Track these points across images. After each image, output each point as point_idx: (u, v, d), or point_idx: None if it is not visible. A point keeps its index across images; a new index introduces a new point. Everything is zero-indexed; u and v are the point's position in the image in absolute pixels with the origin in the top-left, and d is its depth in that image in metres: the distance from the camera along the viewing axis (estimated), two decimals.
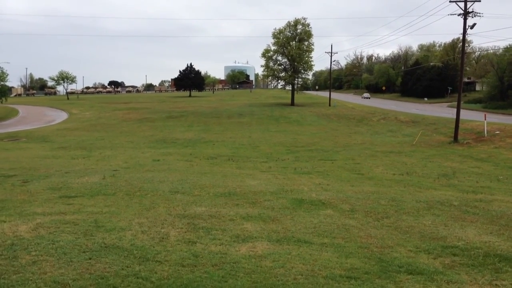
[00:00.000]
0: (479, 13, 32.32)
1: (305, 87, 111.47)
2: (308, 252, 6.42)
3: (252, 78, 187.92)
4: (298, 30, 71.30)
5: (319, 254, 6.33)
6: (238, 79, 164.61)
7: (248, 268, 5.71)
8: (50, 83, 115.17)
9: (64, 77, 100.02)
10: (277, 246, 6.67)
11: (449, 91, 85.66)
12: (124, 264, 5.70)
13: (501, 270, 5.91)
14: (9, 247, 6.19)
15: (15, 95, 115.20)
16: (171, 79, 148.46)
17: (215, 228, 7.55)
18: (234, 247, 6.53)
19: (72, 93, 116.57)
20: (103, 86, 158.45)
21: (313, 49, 72.56)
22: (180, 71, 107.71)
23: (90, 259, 5.81)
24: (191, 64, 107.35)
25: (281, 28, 71.58)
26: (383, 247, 6.76)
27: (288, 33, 71.68)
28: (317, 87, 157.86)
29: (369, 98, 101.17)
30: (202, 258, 6.02)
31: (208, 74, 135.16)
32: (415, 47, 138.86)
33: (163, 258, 5.97)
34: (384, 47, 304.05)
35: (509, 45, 72.37)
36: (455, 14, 33.09)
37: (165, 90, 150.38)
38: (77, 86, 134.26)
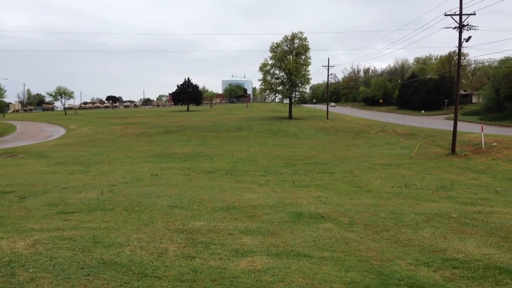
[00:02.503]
0: (474, 26, 32.60)
1: (303, 100, 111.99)
2: (308, 266, 6.39)
3: (249, 92, 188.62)
4: (295, 44, 71.75)
5: (319, 268, 6.30)
6: (235, 93, 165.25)
7: (247, 283, 5.67)
8: (48, 99, 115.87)
9: (61, 93, 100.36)
10: (277, 260, 6.64)
11: (446, 103, 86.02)
12: (123, 280, 5.66)
13: (501, 282, 5.88)
14: (6, 264, 6.14)
15: (13, 111, 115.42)
16: (169, 94, 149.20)
17: (214, 243, 7.51)
18: (233, 262, 6.49)
19: (69, 108, 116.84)
20: (101, 101, 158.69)
21: (310, 62, 73.00)
22: (178, 86, 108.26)
23: (88, 275, 5.77)
24: (188, 78, 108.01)
25: (279, 42, 72.11)
26: (383, 260, 6.73)
27: (285, 47, 72.13)
28: (314, 101, 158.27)
29: (335, 106, 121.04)
30: (201, 273, 5.98)
31: (206, 89, 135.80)
32: (411, 60, 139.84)
33: (162, 273, 5.93)
34: (380, 60, 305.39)
35: (505, 57, 72.84)
36: (450, 27, 33.36)
37: (163, 105, 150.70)
38: (75, 102, 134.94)
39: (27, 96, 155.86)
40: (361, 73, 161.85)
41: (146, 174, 21.52)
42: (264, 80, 74.33)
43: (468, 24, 32.51)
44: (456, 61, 39.97)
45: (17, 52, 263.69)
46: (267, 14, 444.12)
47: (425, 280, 5.91)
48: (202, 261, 6.48)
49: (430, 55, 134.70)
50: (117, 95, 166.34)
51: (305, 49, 71.75)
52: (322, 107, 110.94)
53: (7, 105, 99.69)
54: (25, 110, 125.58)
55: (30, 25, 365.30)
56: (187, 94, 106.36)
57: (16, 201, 12.22)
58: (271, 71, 73.74)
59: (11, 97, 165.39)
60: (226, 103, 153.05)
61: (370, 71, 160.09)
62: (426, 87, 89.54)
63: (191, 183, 17.60)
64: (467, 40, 32.75)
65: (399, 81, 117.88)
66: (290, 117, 72.38)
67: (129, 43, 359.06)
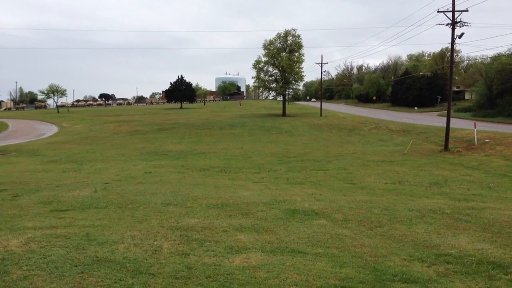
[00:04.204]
0: (467, 23, 32.74)
1: (296, 97, 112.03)
2: (302, 262, 6.40)
3: (243, 89, 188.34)
4: (289, 41, 71.75)
5: (313, 264, 6.31)
6: (229, 90, 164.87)
7: (242, 279, 5.67)
8: (40, 97, 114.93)
9: (54, 91, 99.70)
10: (271, 256, 6.65)
11: (439, 100, 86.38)
12: (117, 277, 5.64)
13: (494, 277, 5.92)
14: None
15: (5, 109, 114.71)
16: (162, 91, 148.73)
17: (208, 240, 7.51)
18: (228, 259, 6.49)
19: (62, 106, 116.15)
20: (94, 99, 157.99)
21: (304, 60, 73.13)
22: (171, 83, 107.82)
23: (82, 273, 5.75)
24: (182, 76, 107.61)
25: (272, 39, 72.03)
26: (377, 256, 6.76)
27: (278, 44, 72.10)
28: (309, 98, 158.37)
29: (315, 101, 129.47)
30: (196, 270, 5.98)
31: (199, 86, 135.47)
32: (404, 57, 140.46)
33: (156, 270, 5.92)
34: (374, 57, 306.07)
35: (497, 54, 73.32)
36: (443, 24, 33.48)
37: (156, 102, 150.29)
38: (68, 99, 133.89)
39: (19, 94, 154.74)
40: (355, 70, 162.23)
41: (139, 172, 21.46)
42: (257, 77, 74.28)
43: (460, 21, 32.64)
44: (449, 58, 40.14)
45: (9, 50, 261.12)
46: (260, 12, 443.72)
47: (419, 275, 5.94)
48: (196, 258, 6.47)
49: (423, 52, 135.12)
50: (110, 93, 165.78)
51: (298, 46, 71.78)
52: (314, 104, 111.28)
53: None
54: (17, 108, 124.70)
55: (22, 23, 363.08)
56: (180, 91, 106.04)
57: (9, 199, 12.15)
58: (265, 68, 73.71)
59: (3, 95, 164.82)
60: (219, 100, 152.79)
61: (364, 68, 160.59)
62: (419, 84, 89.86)
63: (185, 180, 17.58)
64: (460, 36, 32.90)
65: (392, 78, 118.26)
66: (283, 114, 72.42)
67: (121, 41, 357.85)
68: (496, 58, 71.38)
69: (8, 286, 5.28)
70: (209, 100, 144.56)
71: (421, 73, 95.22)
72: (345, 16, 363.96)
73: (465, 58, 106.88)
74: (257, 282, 5.60)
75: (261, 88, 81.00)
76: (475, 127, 35.06)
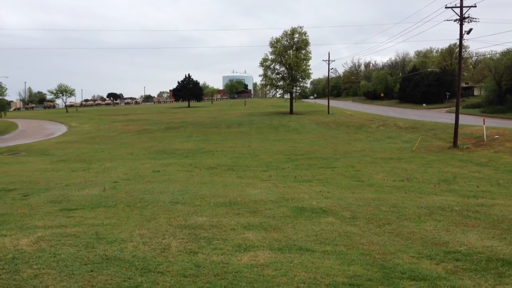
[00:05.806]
0: (475, 19, 32.47)
1: (304, 95, 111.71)
2: (310, 260, 6.40)
3: (250, 87, 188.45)
4: (295, 39, 71.58)
5: (321, 262, 6.31)
6: (236, 88, 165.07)
7: (250, 277, 5.69)
8: (49, 97, 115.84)
9: (63, 90, 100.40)
10: (279, 254, 6.66)
11: (448, 96, 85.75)
12: (126, 275, 5.68)
13: (504, 274, 5.89)
14: (10, 261, 6.17)
15: (14, 109, 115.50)
16: (170, 90, 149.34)
17: (216, 238, 7.53)
18: (236, 257, 6.51)
19: (71, 106, 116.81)
20: (102, 99, 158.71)
21: (311, 57, 72.88)
22: (178, 82, 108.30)
23: (91, 271, 5.80)
24: (189, 74, 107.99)
25: (278, 37, 71.96)
26: (385, 254, 6.74)
27: (285, 42, 71.97)
28: (315, 95, 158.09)
29: (315, 97, 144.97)
30: (204, 268, 6.00)
31: (207, 85, 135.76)
32: (412, 54, 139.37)
33: (165, 269, 5.96)
34: (381, 54, 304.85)
35: (506, 49, 72.59)
36: (451, 20, 33.25)
37: (164, 101, 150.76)
38: (76, 99, 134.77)
39: (28, 94, 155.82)
40: (362, 67, 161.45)
41: (148, 171, 21.54)
42: (264, 75, 74.18)
43: (469, 17, 32.39)
44: (457, 54, 39.88)
45: (17, 51, 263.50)
46: (266, 10, 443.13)
47: (428, 272, 5.93)
48: (204, 256, 6.50)
49: (431, 48, 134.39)
50: (118, 92, 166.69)
51: (305, 43, 71.58)
52: (323, 101, 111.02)
53: (9, 103, 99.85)
54: (26, 108, 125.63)
55: (30, 24, 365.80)
56: (188, 90, 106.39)
57: (19, 198, 12.26)
58: (272, 66, 73.59)
59: (12, 95, 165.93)
60: (227, 99, 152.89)
61: (371, 65, 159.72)
62: (427, 80, 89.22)
63: (193, 179, 17.62)
64: (468, 32, 32.63)
65: (400, 74, 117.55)
66: (291, 112, 72.31)
67: (128, 40, 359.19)
68: (506, 53, 70.73)
69: (19, 285, 5.34)
70: (216, 99, 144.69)
71: (429, 69, 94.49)
72: (352, 13, 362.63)
73: (474, 54, 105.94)
74: (265, 280, 5.61)
75: (268, 86, 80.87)
76: (484, 124, 34.78)
